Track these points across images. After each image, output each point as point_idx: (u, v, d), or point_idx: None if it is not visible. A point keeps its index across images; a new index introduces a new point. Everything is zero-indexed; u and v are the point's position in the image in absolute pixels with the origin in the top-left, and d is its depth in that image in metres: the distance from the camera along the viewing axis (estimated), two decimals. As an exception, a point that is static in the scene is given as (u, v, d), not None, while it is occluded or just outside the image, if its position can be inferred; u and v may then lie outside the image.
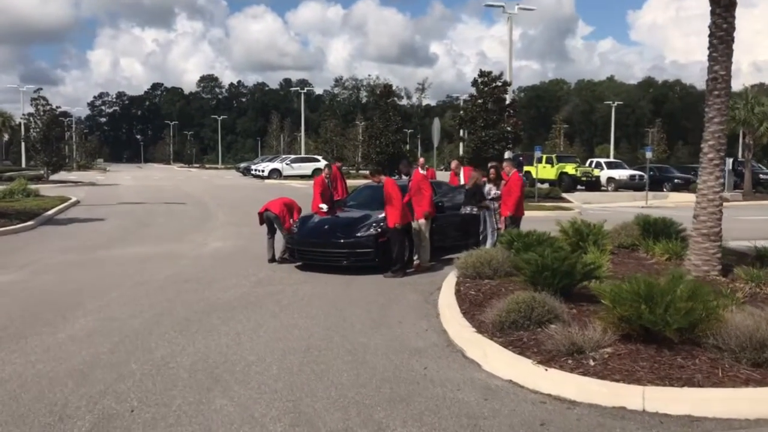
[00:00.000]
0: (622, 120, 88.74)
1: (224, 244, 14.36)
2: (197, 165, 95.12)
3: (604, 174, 32.81)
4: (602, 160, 37.10)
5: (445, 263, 11.21)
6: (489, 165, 12.72)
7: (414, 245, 10.83)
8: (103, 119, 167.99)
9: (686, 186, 34.35)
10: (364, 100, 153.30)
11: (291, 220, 11.66)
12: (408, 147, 32.21)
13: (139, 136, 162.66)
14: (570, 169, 32.96)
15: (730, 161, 33.76)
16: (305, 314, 7.88)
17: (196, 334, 6.98)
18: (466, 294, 8.12)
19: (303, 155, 51.80)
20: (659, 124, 58.05)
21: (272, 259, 11.67)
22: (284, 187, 38.31)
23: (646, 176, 33.91)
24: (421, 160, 15.25)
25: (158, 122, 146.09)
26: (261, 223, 11.84)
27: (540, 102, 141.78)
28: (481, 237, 12.09)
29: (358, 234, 10.48)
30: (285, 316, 7.82)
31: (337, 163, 15.94)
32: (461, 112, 23.59)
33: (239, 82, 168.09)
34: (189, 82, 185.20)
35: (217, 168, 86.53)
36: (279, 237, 11.71)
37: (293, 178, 44.82)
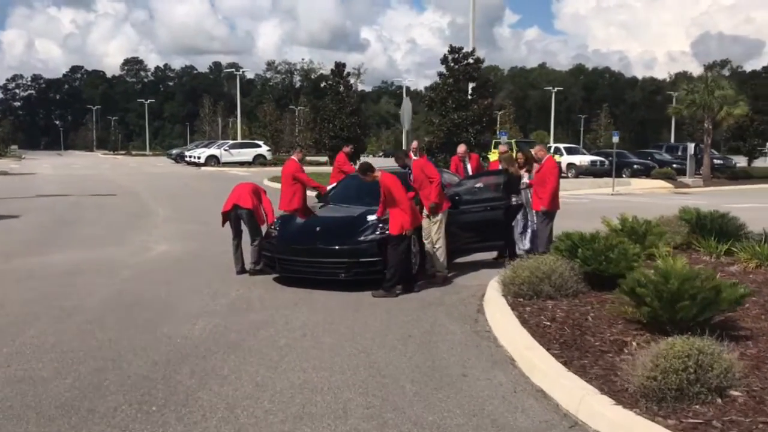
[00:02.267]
0: (555, 106, 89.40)
1: (172, 248, 11.66)
2: (123, 152, 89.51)
3: (564, 160, 31.37)
4: (561, 146, 35.74)
5: (459, 272, 8.99)
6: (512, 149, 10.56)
7: (422, 251, 8.55)
8: (17, 103, 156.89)
9: (646, 172, 33.35)
10: (298, 85, 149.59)
11: (264, 215, 9.13)
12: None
13: (58, 122, 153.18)
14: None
15: (692, 146, 33.01)
16: (319, 363, 5.46)
17: (159, 417, 4.46)
18: (538, 325, 5.89)
19: (243, 140, 48.41)
20: (606, 110, 57.66)
21: (242, 271, 9.13)
22: (224, 175, 35.20)
23: (606, 162, 32.74)
24: (414, 144, 12.94)
25: (79, 107, 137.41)
26: (224, 223, 9.24)
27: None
28: (522, 237, 10.04)
29: (362, 238, 8.07)
30: (291, 367, 5.38)
31: (346, 148, 13.50)
32: (430, 92, 21.38)
33: (166, 65, 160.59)
34: (111, 65, 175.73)
35: (145, 155, 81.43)
36: (246, 239, 9.16)
37: (233, 165, 41.60)
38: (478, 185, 9.66)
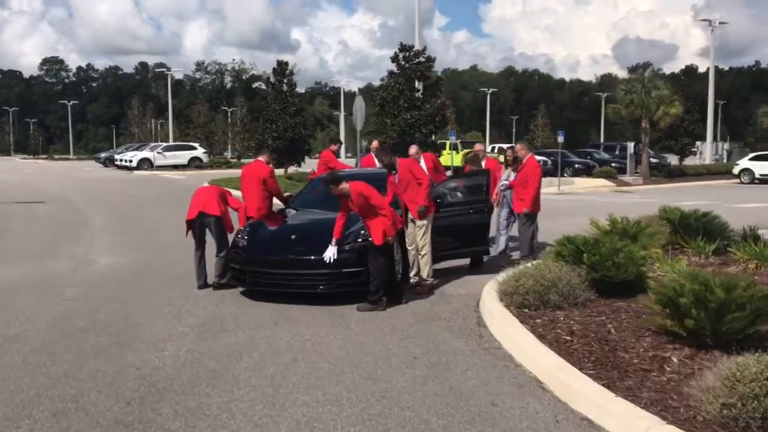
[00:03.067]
0: (487, 107, 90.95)
1: (119, 259, 10.61)
2: (44, 156, 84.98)
3: (509, 160, 31.30)
4: (504, 146, 35.81)
5: (441, 280, 8.42)
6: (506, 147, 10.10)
7: (405, 258, 7.95)
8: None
9: (587, 171, 33.79)
10: (229, 85, 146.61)
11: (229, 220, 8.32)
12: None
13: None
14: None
15: (631, 145, 33.65)
16: (323, 395, 4.74)
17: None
18: (558, 340, 5.35)
19: (178, 143, 46.43)
20: (543, 110, 58.58)
21: (204, 285, 8.26)
22: (159, 179, 33.65)
23: (549, 161, 32.97)
24: (375, 143, 12.27)
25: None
26: (188, 232, 8.33)
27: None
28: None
29: (344, 247, 7.36)
30: (291, 402, 4.64)
31: (333, 146, 12.54)
32: (381, 91, 20.75)
33: (88, 65, 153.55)
34: (28, 65, 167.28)
35: (69, 159, 77.46)
36: (210, 250, 8.30)
37: (167, 168, 39.82)
38: (458, 187, 9.09)
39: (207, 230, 8.23)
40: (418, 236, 7.74)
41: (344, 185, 7.14)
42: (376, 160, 11.78)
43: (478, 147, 12.06)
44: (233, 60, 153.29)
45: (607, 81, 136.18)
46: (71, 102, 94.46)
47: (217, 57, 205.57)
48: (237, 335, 6.29)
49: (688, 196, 23.22)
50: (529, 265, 6.97)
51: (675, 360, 4.66)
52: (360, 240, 7.40)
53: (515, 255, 9.71)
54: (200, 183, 28.92)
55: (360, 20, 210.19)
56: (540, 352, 5.14)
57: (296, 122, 27.80)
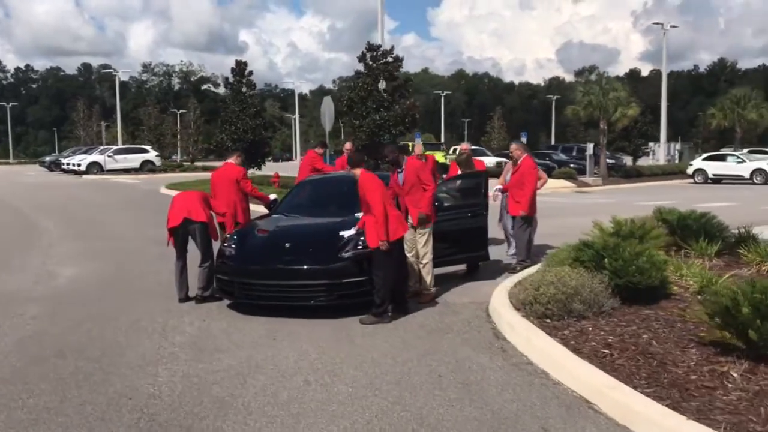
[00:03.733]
0: (439, 110, 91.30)
1: (82, 271, 9.80)
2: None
3: (471, 162, 31.17)
4: (465, 146, 35.72)
5: (441, 287, 7.96)
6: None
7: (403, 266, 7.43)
8: None
9: (547, 172, 33.86)
10: (177, 87, 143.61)
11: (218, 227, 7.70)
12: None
13: None
14: (439, 157, 30.96)
15: (591, 146, 33.94)
16: (351, 426, 4.20)
17: None
18: (596, 354, 4.94)
19: (129, 146, 44.68)
20: (500, 112, 58.96)
21: (186, 298, 7.60)
22: (111, 183, 32.32)
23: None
24: (348, 145, 11.72)
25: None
26: (170, 241, 7.63)
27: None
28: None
29: (343, 254, 6.81)
30: (318, 433, 4.09)
31: (319, 149, 11.80)
32: (349, 92, 20.19)
33: (27, 66, 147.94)
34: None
35: (8, 163, 74.16)
36: (193, 260, 7.64)
37: (118, 172, 38.29)
38: (454, 189, 8.62)
39: (191, 238, 7.57)
40: (420, 243, 7.26)
41: (357, 171, 6.83)
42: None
43: (464, 146, 11.66)
44: (181, 62, 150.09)
45: (555, 84, 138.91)
46: (10, 104, 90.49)
47: (163, 59, 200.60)
48: (235, 355, 5.68)
49: (650, 196, 23.43)
50: (534, 270, 6.54)
51: (735, 375, 4.30)
52: (360, 247, 6.86)
53: (510, 259, 9.34)
54: (156, 187, 27.99)
55: (309, 22, 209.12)
56: (581, 368, 4.72)
57: (256, 124, 26.97)
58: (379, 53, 19.99)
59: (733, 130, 41.43)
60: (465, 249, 8.25)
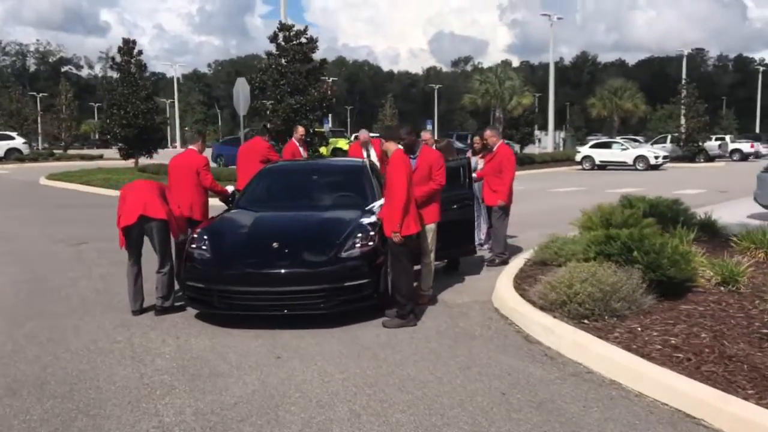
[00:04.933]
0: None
1: (-12, 279, 8.23)
2: None
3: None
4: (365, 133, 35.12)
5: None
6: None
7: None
8: None
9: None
10: (32, 68, 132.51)
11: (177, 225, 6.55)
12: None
13: None
14: (343, 144, 30.13)
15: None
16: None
17: None
18: (669, 357, 4.49)
19: (-11, 132, 40.08)
20: (391, 100, 58.77)
21: (141, 309, 6.44)
22: (-26, 174, 28.72)
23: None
24: (301, 130, 10.72)
25: None
26: (125, 242, 6.39)
27: (239, 76, 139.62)
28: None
29: (344, 253, 5.96)
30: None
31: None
32: (260, 74, 18.85)
33: None
34: None
35: None
36: (147, 266, 6.49)
37: (-23, 162, 34.24)
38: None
39: (144, 238, 6.40)
40: (426, 241, 6.53)
41: (389, 145, 6.15)
42: (299, 146, 10.40)
43: (426, 135, 10.97)
44: (37, 41, 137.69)
45: (433, 73, 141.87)
46: None
47: (13, 37, 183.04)
48: (243, 381, 4.72)
49: (554, 183, 24.04)
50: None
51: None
52: (359, 244, 6.05)
53: (485, 253, 8.85)
54: (33, 178, 25.10)
55: (177, 4, 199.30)
56: (666, 376, 4.24)
57: (148, 107, 24.84)
58: (292, 33, 18.85)
59: (612, 119, 44.03)
60: (453, 244, 7.62)
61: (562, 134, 55.53)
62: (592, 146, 36.51)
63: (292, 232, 6.33)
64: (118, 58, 24.95)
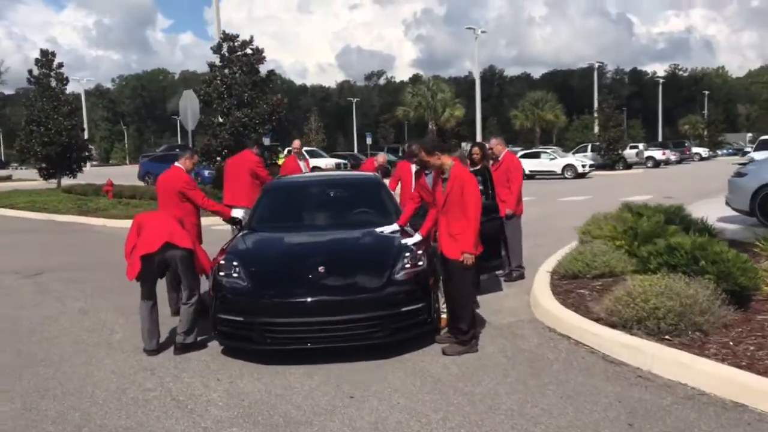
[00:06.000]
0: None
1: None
2: None
3: (311, 163, 30.07)
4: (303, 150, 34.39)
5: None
6: (470, 145, 8.73)
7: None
8: None
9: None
10: None
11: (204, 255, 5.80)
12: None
13: None
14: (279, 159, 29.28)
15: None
16: None
17: None
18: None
19: None
20: (316, 113, 57.89)
21: (157, 348, 5.64)
22: None
23: (348, 163, 32.58)
24: (297, 143, 10.05)
25: None
26: (138, 275, 5.54)
27: (145, 91, 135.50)
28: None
29: (398, 275, 5.41)
30: None
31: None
32: (204, 86, 17.80)
33: None
34: None
35: None
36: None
37: None
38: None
39: (169, 268, 5.62)
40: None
41: (443, 159, 5.47)
42: (299, 161, 9.74)
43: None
44: None
45: (346, 87, 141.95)
46: None
47: None
48: (329, 428, 4.09)
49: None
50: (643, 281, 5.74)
51: None
52: (408, 264, 5.53)
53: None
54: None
55: (71, 17, 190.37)
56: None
57: (72, 124, 23.13)
58: (237, 44, 17.98)
59: (534, 130, 45.25)
60: (481, 258, 7.18)
61: (487, 144, 56.62)
62: (521, 156, 37.22)
63: (335, 254, 5.72)
64: (36, 71, 23.10)
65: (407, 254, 5.59)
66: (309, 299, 5.19)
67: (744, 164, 14.23)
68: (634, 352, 5.01)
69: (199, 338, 5.76)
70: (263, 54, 18.14)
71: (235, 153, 17.52)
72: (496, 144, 8.53)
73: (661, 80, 74.52)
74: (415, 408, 4.36)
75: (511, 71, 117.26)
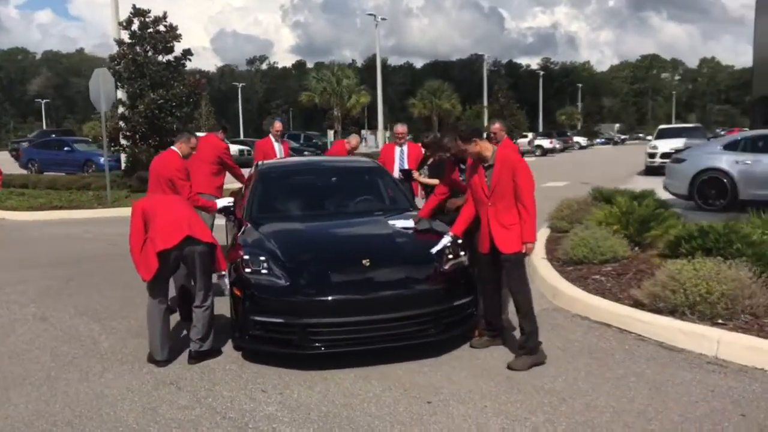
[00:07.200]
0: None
1: None
2: None
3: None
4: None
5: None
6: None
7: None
8: None
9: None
10: None
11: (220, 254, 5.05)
12: None
13: None
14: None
15: (331, 133, 33.83)
16: None
17: None
18: None
19: None
20: (207, 98, 54.96)
21: (168, 358, 4.87)
22: None
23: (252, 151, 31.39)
24: (278, 125, 9.12)
25: None
26: (153, 275, 4.71)
27: (2, 72, 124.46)
28: None
29: (446, 266, 4.97)
30: None
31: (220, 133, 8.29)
32: (113, 63, 16.16)
33: None
34: None
35: None
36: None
37: None
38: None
39: (186, 266, 4.84)
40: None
41: (484, 145, 4.86)
42: (275, 143, 8.90)
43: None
44: None
45: (227, 72, 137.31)
46: None
47: None
48: (432, 442, 3.62)
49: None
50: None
51: None
52: (451, 256, 5.10)
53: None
54: None
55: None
56: None
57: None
58: (149, 20, 16.52)
59: (431, 118, 45.78)
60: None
61: (388, 133, 56.80)
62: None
63: (374, 245, 5.17)
64: None
65: (446, 243, 5.15)
66: (361, 296, 4.64)
67: (679, 150, 14.91)
68: (696, 338, 4.89)
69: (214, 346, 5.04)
70: (178, 31, 16.80)
71: (150, 138, 16.31)
72: (499, 129, 7.93)
73: (542, 72, 78.06)
74: (508, 411, 3.97)
75: (393, 61, 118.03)
